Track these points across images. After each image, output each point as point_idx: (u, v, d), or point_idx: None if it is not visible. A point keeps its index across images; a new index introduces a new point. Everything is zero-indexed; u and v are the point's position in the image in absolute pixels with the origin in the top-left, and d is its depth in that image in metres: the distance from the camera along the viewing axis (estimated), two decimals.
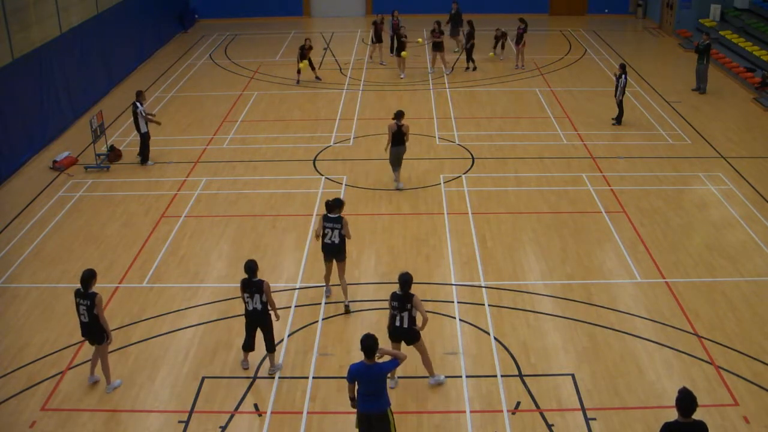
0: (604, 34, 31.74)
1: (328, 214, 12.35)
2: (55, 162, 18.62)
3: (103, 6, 25.04)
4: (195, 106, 23.40)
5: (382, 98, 23.55)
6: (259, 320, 10.89)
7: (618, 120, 20.80)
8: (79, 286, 10.47)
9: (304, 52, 24.19)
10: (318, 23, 34.83)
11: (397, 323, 10.45)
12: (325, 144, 19.84)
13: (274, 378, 11.09)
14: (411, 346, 10.64)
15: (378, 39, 26.97)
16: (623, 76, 20.27)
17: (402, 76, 25.23)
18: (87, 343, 11.05)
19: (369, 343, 8.93)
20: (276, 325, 12.24)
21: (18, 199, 17.15)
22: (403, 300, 10.35)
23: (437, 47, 25.16)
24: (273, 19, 35.37)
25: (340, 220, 12.26)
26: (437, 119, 21.41)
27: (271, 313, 10.99)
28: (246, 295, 10.79)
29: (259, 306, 10.78)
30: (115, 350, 11.66)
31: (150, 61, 28.50)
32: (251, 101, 23.43)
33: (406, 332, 10.48)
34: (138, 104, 18.36)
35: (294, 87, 24.87)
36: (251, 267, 10.79)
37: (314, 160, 18.76)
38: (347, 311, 12.52)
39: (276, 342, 11.81)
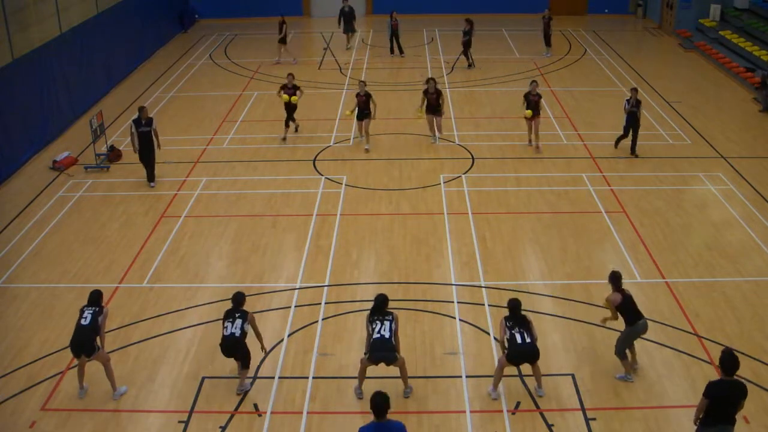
0: (604, 34, 31.75)
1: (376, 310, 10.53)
2: (55, 162, 18.62)
3: (103, 6, 25.03)
4: (195, 106, 23.40)
5: (382, 98, 23.46)
6: (235, 347, 10.54)
7: (633, 150, 18.66)
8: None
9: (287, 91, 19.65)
10: (318, 23, 34.84)
11: (519, 340, 10.24)
12: (325, 144, 19.84)
13: (273, 383, 11.09)
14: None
15: (282, 40, 27.37)
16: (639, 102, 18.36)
17: (366, 148, 19.29)
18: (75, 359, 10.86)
19: (378, 401, 8.06)
20: (276, 325, 12.30)
21: (18, 199, 17.15)
22: (522, 321, 10.39)
23: (433, 110, 19.30)
24: (273, 19, 35.23)
25: (390, 314, 10.50)
26: None
27: (261, 345, 10.94)
28: (228, 320, 10.54)
29: (237, 332, 10.47)
30: (115, 350, 11.67)
31: (150, 61, 28.50)
32: (251, 101, 23.43)
33: (533, 347, 10.34)
34: (132, 122, 17.33)
35: None
36: (240, 299, 10.67)
37: (314, 160, 18.76)
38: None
39: (276, 342, 11.85)
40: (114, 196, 17.07)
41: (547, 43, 28.21)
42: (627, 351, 10.90)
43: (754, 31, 26.95)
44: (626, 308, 10.67)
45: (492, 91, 23.98)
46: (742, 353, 11.42)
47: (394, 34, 28.24)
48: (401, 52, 28.48)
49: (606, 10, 35.41)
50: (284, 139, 19.93)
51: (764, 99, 21.98)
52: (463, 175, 17.67)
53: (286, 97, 19.57)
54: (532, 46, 29.45)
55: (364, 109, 19.11)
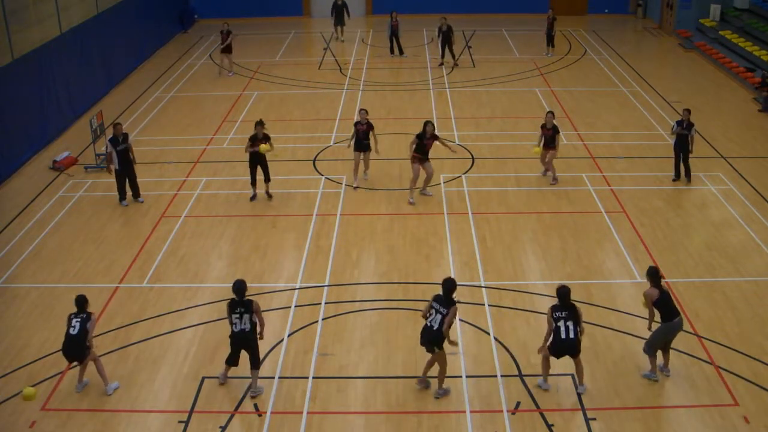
0: (604, 34, 31.75)
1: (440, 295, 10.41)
2: (55, 162, 18.62)
3: (103, 6, 25.03)
4: (195, 106, 23.40)
5: (383, 98, 23.54)
6: (246, 341, 10.59)
7: (688, 175, 17.22)
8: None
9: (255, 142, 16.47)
10: (318, 23, 34.84)
11: (563, 335, 10.23)
12: (325, 144, 19.84)
13: (273, 383, 11.09)
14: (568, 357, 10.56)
15: (226, 49, 25.95)
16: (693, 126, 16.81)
17: (365, 177, 17.34)
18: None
19: None
20: (276, 325, 12.30)
21: (18, 199, 17.15)
22: (570, 311, 10.32)
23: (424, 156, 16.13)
24: (273, 19, 35.39)
25: (450, 304, 10.30)
26: (437, 119, 21.38)
27: (259, 332, 10.73)
28: (235, 315, 10.52)
29: (247, 326, 10.51)
30: (115, 350, 11.68)
31: (150, 61, 28.50)
32: (251, 101, 23.43)
33: (575, 343, 10.32)
34: (109, 141, 16.20)
35: (294, 87, 24.88)
36: (241, 288, 10.55)
37: (314, 160, 18.76)
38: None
39: (276, 342, 11.85)
40: (114, 196, 17.04)
41: (550, 43, 28.22)
42: (660, 352, 10.89)
43: (754, 31, 26.96)
44: (663, 305, 10.59)
45: (492, 91, 23.97)
46: (742, 353, 11.45)
47: (394, 34, 28.25)
48: (401, 52, 28.49)
49: (606, 10, 35.42)
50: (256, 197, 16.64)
51: (764, 99, 21.98)
52: (463, 175, 17.67)
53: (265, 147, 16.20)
54: (532, 46, 29.46)
55: (363, 139, 16.86)
